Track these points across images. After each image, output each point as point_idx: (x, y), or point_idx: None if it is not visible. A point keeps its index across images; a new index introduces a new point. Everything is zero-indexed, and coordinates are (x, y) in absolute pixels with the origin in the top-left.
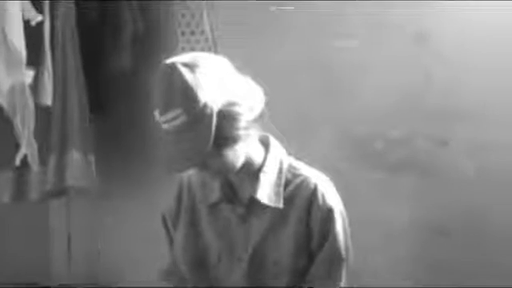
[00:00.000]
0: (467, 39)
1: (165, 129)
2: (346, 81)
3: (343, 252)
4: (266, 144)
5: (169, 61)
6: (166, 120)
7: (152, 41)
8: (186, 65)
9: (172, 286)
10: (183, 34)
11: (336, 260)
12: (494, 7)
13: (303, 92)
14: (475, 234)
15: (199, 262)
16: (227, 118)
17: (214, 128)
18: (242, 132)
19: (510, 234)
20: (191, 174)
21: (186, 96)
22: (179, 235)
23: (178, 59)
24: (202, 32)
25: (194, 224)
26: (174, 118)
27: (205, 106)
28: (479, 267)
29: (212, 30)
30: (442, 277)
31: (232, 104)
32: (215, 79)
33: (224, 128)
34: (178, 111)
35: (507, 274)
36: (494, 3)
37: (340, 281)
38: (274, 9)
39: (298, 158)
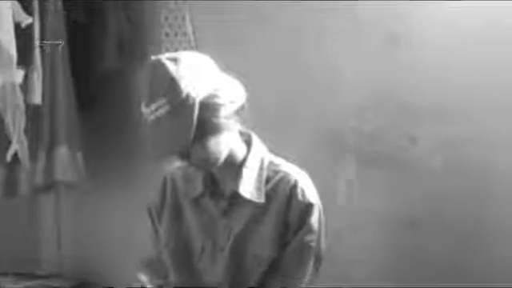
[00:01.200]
0: (438, 39)
1: (150, 119)
2: (322, 78)
3: (314, 244)
4: (248, 141)
5: (155, 56)
6: (150, 110)
7: (137, 41)
8: (170, 59)
9: (148, 276)
10: (167, 35)
11: (306, 250)
12: (467, 7)
13: (281, 90)
14: (443, 224)
15: (183, 252)
16: (208, 108)
17: (195, 118)
18: (222, 123)
19: (475, 225)
20: (175, 169)
21: (169, 87)
22: (164, 227)
23: (164, 55)
24: (185, 34)
25: (178, 217)
26: (158, 108)
27: (187, 96)
28: (446, 256)
29: (194, 32)
30: (411, 266)
31: (213, 96)
32: (198, 72)
33: (205, 118)
34: (161, 101)
35: (475, 262)
36: (468, 4)
37: (308, 270)
38: None
39: (276, 153)
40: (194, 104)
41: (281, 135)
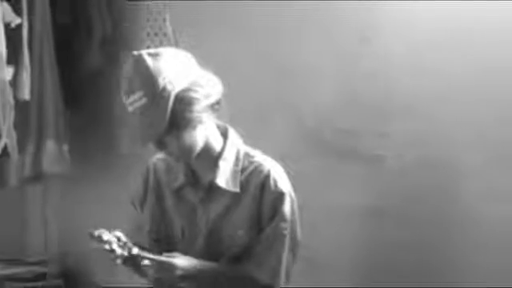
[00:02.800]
0: (409, 41)
1: (129, 110)
2: (298, 77)
3: (287, 232)
4: (224, 134)
5: (137, 52)
6: (130, 102)
7: (120, 41)
8: (150, 54)
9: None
10: (148, 34)
11: (279, 238)
12: (437, 10)
13: (258, 87)
14: (412, 216)
15: (165, 236)
16: (184, 102)
17: (170, 109)
18: (197, 116)
19: (443, 216)
20: (157, 160)
21: (146, 81)
22: (147, 214)
23: (145, 50)
24: (165, 34)
25: (159, 205)
26: (137, 100)
27: (163, 89)
28: (418, 248)
29: (173, 32)
30: (381, 256)
31: (189, 90)
32: (176, 67)
33: (180, 111)
34: (139, 94)
35: (441, 253)
36: (437, 4)
37: (281, 255)
38: None
39: (253, 147)
40: (169, 97)
41: (259, 130)
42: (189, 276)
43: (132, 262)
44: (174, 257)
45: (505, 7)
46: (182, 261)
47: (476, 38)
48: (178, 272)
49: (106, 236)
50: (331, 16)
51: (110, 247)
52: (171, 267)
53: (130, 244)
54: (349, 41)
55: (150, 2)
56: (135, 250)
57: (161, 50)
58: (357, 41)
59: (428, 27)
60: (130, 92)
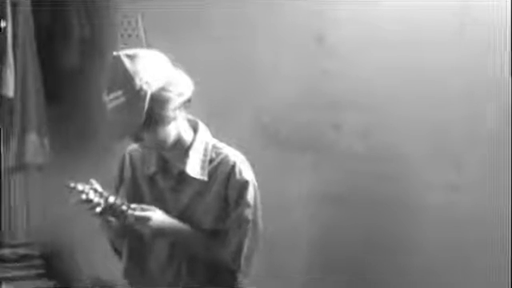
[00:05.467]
0: (360, 40)
1: (109, 106)
2: (258, 75)
3: (250, 216)
4: (194, 127)
5: (116, 52)
6: (109, 99)
7: (96, 41)
8: (127, 55)
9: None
10: (122, 36)
11: (244, 222)
12: (385, 11)
13: (223, 84)
14: (362, 202)
15: None
16: (159, 100)
17: (146, 108)
18: (170, 113)
19: (391, 202)
20: (133, 149)
21: (125, 81)
22: (122, 198)
23: (123, 51)
24: (137, 35)
25: (135, 190)
26: (116, 98)
27: (140, 89)
28: (368, 230)
29: (146, 34)
30: (334, 238)
31: (164, 89)
32: (151, 68)
33: (156, 108)
34: (118, 93)
35: (389, 234)
36: (388, 5)
37: (244, 238)
38: None
39: (219, 139)
40: (145, 96)
41: (222, 124)
42: (161, 230)
43: (110, 212)
44: (149, 210)
45: (452, 8)
46: (157, 215)
47: (424, 37)
48: (151, 224)
49: (81, 186)
50: (287, 18)
51: (87, 197)
52: (145, 218)
53: (106, 193)
54: (304, 41)
55: (124, 5)
56: (111, 199)
57: (138, 51)
58: (311, 41)
59: (379, 27)
60: (110, 90)
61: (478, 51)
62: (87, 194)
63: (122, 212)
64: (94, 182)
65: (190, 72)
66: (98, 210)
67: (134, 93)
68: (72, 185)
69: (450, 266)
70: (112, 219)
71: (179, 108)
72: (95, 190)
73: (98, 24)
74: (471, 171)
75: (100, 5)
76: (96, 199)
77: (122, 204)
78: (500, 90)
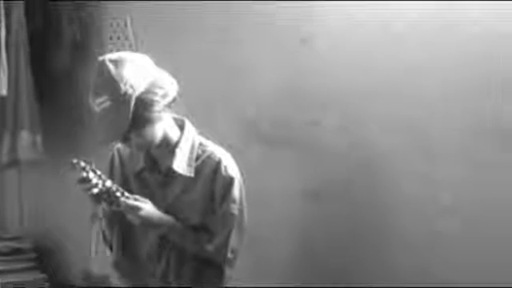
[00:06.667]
0: (340, 40)
1: (95, 110)
2: (241, 74)
3: (236, 211)
4: (181, 126)
5: (101, 57)
6: (96, 104)
7: (86, 43)
8: (112, 61)
9: (96, 226)
10: (111, 38)
11: (230, 217)
12: (367, 12)
13: (205, 84)
14: (342, 196)
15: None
16: (144, 103)
17: (131, 111)
18: (156, 115)
19: (370, 195)
20: (122, 147)
21: (110, 86)
22: None
23: (108, 56)
24: (126, 38)
25: (124, 186)
26: (102, 103)
27: (125, 93)
28: (347, 222)
29: (134, 36)
30: (316, 232)
31: (148, 92)
32: (136, 71)
33: (141, 110)
34: (104, 97)
35: (368, 226)
36: (369, 8)
37: (230, 233)
38: None
39: (204, 137)
40: (130, 100)
41: (205, 122)
42: (150, 221)
43: (105, 195)
44: (141, 200)
45: (434, 8)
46: (148, 206)
47: (404, 38)
48: (141, 213)
49: (83, 163)
50: (270, 19)
51: (87, 175)
52: (136, 207)
53: (104, 177)
54: (285, 41)
55: (113, 8)
56: (109, 183)
57: (122, 55)
58: (293, 41)
59: (361, 29)
60: (96, 95)
61: (452, 51)
62: (88, 172)
63: (116, 198)
64: (94, 167)
65: (176, 72)
66: (96, 190)
67: (119, 97)
68: (75, 161)
69: (427, 255)
70: (104, 205)
71: (164, 109)
72: (94, 172)
73: (88, 26)
74: (445, 164)
75: (90, 8)
76: (95, 180)
77: (117, 190)
78: (471, 88)
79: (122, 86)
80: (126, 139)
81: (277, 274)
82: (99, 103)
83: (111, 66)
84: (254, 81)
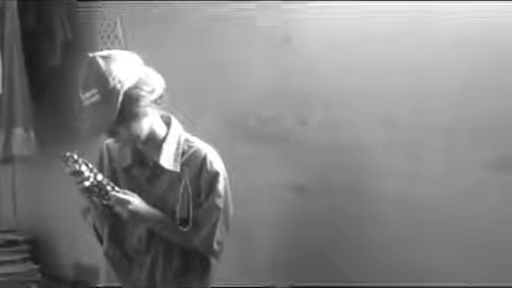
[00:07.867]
0: (324, 41)
1: (84, 104)
2: (229, 73)
3: (221, 205)
4: (168, 122)
5: (92, 54)
6: (85, 97)
7: (78, 43)
8: (102, 56)
9: (87, 221)
10: (102, 37)
11: (216, 210)
12: (353, 10)
13: (195, 82)
14: (327, 191)
15: None
16: (131, 98)
17: (119, 105)
18: (142, 109)
19: (354, 191)
20: (111, 142)
21: (99, 80)
22: None
23: (98, 53)
24: (116, 37)
25: (113, 181)
26: (91, 97)
27: (113, 88)
28: (332, 217)
29: (124, 35)
30: (301, 226)
31: (136, 87)
32: (125, 67)
33: (128, 105)
34: (93, 91)
35: (351, 220)
36: (354, 7)
37: (215, 226)
38: None
39: (191, 133)
40: (118, 95)
41: (194, 119)
42: (138, 214)
43: (96, 189)
44: (130, 195)
45: (422, 8)
46: (136, 201)
47: (391, 38)
48: (130, 207)
49: (76, 156)
50: (256, 19)
51: (80, 168)
52: (125, 201)
53: (95, 170)
54: (272, 41)
55: (104, 8)
56: (100, 177)
57: (112, 52)
58: (279, 41)
59: (346, 28)
60: (85, 89)
61: (434, 49)
62: (80, 165)
63: (107, 192)
64: (86, 161)
65: (163, 70)
66: (87, 183)
67: (107, 91)
68: (68, 154)
69: (407, 245)
70: (95, 198)
71: (151, 104)
72: (87, 165)
73: (79, 25)
74: (428, 161)
75: (81, 7)
76: (87, 173)
77: (108, 184)
78: (454, 86)
79: (110, 80)
80: (113, 133)
81: (264, 268)
82: (88, 97)
83: (101, 62)
84: (241, 79)
